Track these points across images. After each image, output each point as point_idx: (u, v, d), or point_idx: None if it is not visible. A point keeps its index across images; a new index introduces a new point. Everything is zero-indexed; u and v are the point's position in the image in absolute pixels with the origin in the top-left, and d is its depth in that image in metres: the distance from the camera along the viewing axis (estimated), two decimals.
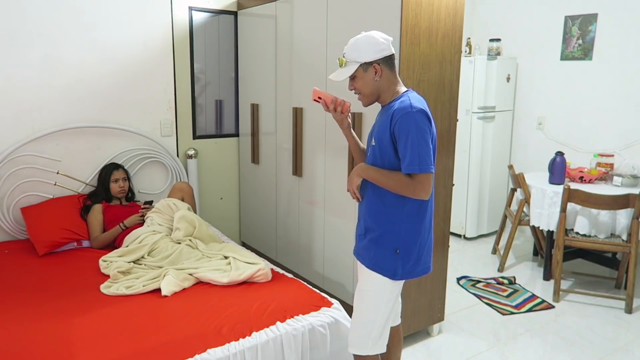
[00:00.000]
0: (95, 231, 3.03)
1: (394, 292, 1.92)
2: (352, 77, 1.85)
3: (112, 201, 3.21)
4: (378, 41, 1.80)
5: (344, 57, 1.84)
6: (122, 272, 2.52)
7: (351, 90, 1.89)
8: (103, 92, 3.35)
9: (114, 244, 3.00)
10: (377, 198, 1.86)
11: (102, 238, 3.01)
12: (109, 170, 3.22)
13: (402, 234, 1.84)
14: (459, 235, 4.74)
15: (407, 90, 1.87)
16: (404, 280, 1.93)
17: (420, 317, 2.83)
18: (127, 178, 3.29)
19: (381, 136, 1.81)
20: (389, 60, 1.83)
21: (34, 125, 3.14)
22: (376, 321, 1.90)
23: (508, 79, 4.67)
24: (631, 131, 4.01)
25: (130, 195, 3.34)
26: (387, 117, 1.79)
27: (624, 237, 3.35)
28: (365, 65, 1.80)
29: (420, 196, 1.78)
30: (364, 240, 1.92)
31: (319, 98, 1.93)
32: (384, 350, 1.96)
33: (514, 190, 4.09)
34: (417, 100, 1.78)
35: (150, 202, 3.21)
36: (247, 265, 2.56)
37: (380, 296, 1.89)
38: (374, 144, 1.87)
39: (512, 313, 3.23)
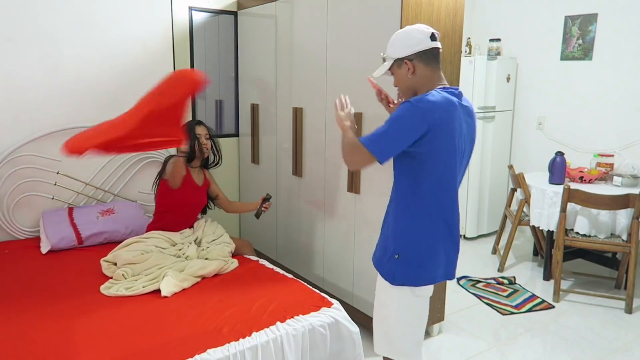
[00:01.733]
0: (175, 179, 2.82)
1: (403, 302, 1.80)
2: (392, 73, 1.81)
3: (192, 162, 2.94)
4: (411, 35, 1.73)
5: (384, 53, 1.81)
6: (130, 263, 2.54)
7: (395, 87, 1.84)
8: (103, 92, 3.35)
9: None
10: (393, 205, 1.83)
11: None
12: (191, 125, 2.95)
13: (401, 239, 1.77)
14: None
15: (442, 88, 1.74)
16: (417, 291, 1.79)
17: None
18: (210, 137, 3.02)
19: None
20: (424, 55, 1.73)
21: (34, 125, 3.14)
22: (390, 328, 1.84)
23: (508, 79, 4.67)
24: (631, 131, 4.01)
25: (215, 159, 3.11)
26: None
27: (624, 237, 3.35)
28: (399, 61, 1.75)
29: (346, 161, 1.74)
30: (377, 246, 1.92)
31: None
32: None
33: (514, 190, 4.09)
34: (434, 96, 1.65)
35: (268, 199, 3.02)
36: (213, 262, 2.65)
37: (386, 302, 1.84)
38: None
39: (512, 313, 3.23)
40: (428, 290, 1.82)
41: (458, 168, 1.77)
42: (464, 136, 1.75)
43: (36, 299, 2.31)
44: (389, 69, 1.80)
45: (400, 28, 2.38)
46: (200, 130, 2.96)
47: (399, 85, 1.81)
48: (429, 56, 1.74)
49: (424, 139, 1.64)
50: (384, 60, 1.81)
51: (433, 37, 1.73)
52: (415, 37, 1.72)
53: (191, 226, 2.99)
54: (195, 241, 2.85)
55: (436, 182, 1.71)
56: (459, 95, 1.75)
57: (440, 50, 1.78)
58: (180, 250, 2.77)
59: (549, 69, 4.52)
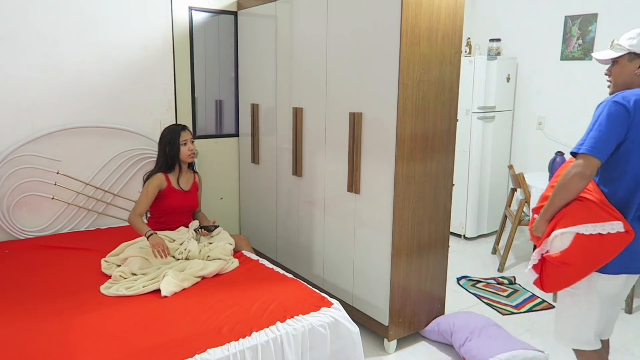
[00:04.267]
0: (140, 205, 2.82)
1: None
2: (615, 62, 1.83)
3: (173, 169, 2.93)
4: None
5: (617, 40, 1.81)
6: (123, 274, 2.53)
7: (606, 75, 1.87)
8: (103, 92, 3.35)
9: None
10: None
11: (135, 223, 2.77)
12: (175, 132, 2.91)
13: None
14: (459, 235, 4.73)
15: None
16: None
17: (420, 317, 2.83)
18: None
19: None
20: None
21: (34, 125, 3.14)
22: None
23: (508, 79, 4.67)
24: None
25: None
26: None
27: None
28: (633, 56, 1.77)
29: (573, 178, 1.73)
30: None
31: None
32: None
33: (514, 190, 4.09)
34: (628, 92, 1.73)
35: (213, 228, 2.93)
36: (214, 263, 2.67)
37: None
38: None
39: (512, 313, 3.23)
40: None
41: None
42: None
43: (36, 298, 2.31)
44: (616, 58, 1.81)
45: (400, 28, 2.39)
46: (185, 136, 2.94)
47: (618, 77, 1.83)
48: None
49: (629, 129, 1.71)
50: (612, 46, 1.81)
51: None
52: None
53: (187, 225, 3.00)
54: (194, 238, 2.86)
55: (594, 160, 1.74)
56: None
57: None
58: (181, 245, 2.78)
59: (549, 69, 4.52)
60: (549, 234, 1.85)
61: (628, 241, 1.76)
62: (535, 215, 1.95)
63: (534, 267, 1.91)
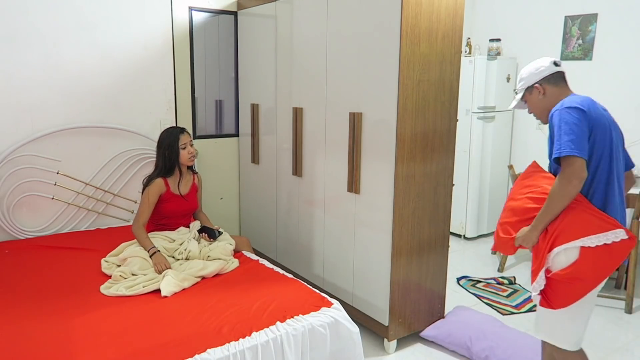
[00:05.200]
0: (143, 215, 2.78)
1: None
2: (525, 101, 2.05)
3: (172, 173, 2.89)
4: (536, 65, 1.98)
5: (515, 89, 2.09)
6: (123, 274, 2.53)
7: (530, 113, 2.07)
8: (103, 92, 3.35)
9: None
10: None
11: (139, 236, 2.73)
12: (173, 135, 2.86)
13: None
14: (459, 235, 4.73)
15: (568, 96, 1.92)
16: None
17: (420, 317, 2.83)
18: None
19: (550, 142, 1.89)
20: (552, 78, 1.96)
21: (34, 125, 3.14)
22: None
23: (508, 79, 4.67)
24: (631, 131, 4.00)
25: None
26: (549, 122, 1.90)
27: None
28: (530, 89, 1.99)
29: (573, 182, 1.75)
30: None
31: None
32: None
33: None
34: (571, 100, 1.84)
35: (218, 233, 2.91)
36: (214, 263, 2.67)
37: None
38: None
39: (512, 313, 3.23)
40: None
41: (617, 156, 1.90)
42: (609, 126, 1.89)
43: (36, 298, 2.31)
44: (522, 99, 2.04)
45: (400, 28, 2.40)
46: (185, 139, 2.89)
47: (534, 109, 2.03)
48: (556, 78, 1.96)
49: (591, 127, 1.80)
50: (516, 92, 2.07)
51: (556, 63, 1.97)
52: (541, 65, 1.97)
53: (187, 225, 2.99)
54: (195, 238, 2.86)
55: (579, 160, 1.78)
56: (589, 98, 1.91)
57: (566, 73, 1.98)
58: (181, 245, 2.78)
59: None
60: (546, 250, 1.84)
61: (632, 247, 1.79)
62: (505, 234, 2.00)
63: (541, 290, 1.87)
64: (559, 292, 1.82)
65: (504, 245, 2.06)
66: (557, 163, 1.82)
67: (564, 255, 1.80)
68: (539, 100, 1.99)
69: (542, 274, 1.85)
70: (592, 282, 1.80)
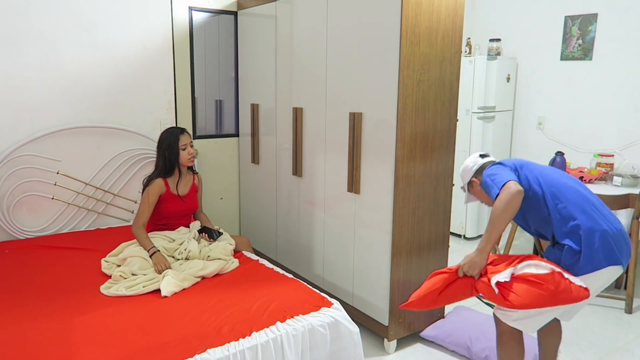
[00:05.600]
0: (143, 215, 2.78)
1: None
2: (470, 192, 2.31)
3: (172, 174, 2.89)
4: (467, 167, 2.26)
5: (461, 187, 2.37)
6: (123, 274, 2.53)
7: (482, 202, 2.29)
8: (103, 92, 3.35)
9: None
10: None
11: (139, 236, 2.73)
12: (174, 136, 2.86)
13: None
14: (459, 235, 4.73)
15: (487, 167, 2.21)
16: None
17: (420, 317, 2.83)
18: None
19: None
20: (481, 169, 2.21)
21: (34, 125, 3.14)
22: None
23: (508, 79, 4.67)
24: (631, 131, 4.01)
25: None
26: None
27: None
28: (469, 184, 2.27)
29: (514, 193, 1.93)
30: None
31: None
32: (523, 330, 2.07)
33: None
34: (491, 170, 2.12)
35: (217, 234, 2.91)
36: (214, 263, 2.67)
37: None
38: None
39: None
40: None
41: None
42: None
43: (36, 298, 2.31)
44: (470, 192, 2.30)
45: (400, 28, 2.40)
46: (185, 140, 2.89)
47: (480, 197, 2.27)
48: (482, 168, 2.21)
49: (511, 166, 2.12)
50: (464, 190, 2.34)
51: (482, 156, 2.26)
52: (470, 162, 2.26)
53: (187, 225, 2.99)
54: (194, 238, 2.86)
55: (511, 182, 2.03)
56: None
57: (487, 155, 2.28)
58: (181, 244, 2.77)
59: (549, 69, 4.52)
60: (520, 259, 1.99)
61: (584, 299, 1.92)
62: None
63: (500, 284, 1.93)
64: (520, 292, 1.88)
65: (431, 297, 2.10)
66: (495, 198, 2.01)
67: (534, 268, 1.92)
68: (480, 190, 2.21)
69: (509, 270, 1.93)
70: (548, 300, 1.87)
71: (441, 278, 2.09)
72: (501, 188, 1.97)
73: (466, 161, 2.30)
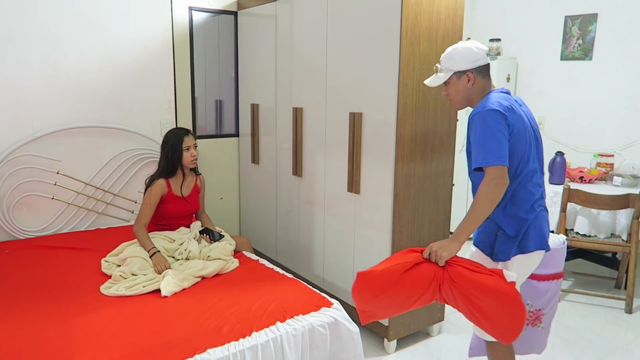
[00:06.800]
0: (144, 215, 2.78)
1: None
2: (446, 83, 1.95)
3: (174, 174, 2.90)
4: (472, 51, 1.88)
5: (439, 64, 1.95)
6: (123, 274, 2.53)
7: (444, 95, 2.00)
8: (103, 92, 3.35)
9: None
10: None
11: (140, 236, 2.74)
12: (178, 137, 2.86)
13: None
14: None
15: (491, 91, 1.91)
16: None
17: (420, 317, 2.83)
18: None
19: (468, 140, 1.91)
20: (483, 69, 1.91)
21: (34, 125, 3.14)
22: None
23: (508, 79, 4.67)
24: (631, 131, 4.01)
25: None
26: (469, 121, 1.90)
27: (624, 237, 3.35)
28: (459, 74, 1.90)
29: (502, 188, 1.77)
30: None
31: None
32: None
33: None
34: (493, 100, 1.82)
35: (219, 236, 2.89)
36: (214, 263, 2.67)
37: None
38: (465, 148, 1.96)
39: None
40: None
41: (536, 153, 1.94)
42: (529, 124, 1.94)
43: (36, 298, 2.31)
44: (448, 82, 1.94)
45: (400, 28, 2.40)
46: (189, 142, 2.89)
47: (455, 95, 1.94)
48: (486, 70, 1.92)
49: (510, 132, 1.81)
50: (438, 71, 1.94)
51: (487, 54, 1.91)
52: (477, 53, 1.88)
53: (188, 225, 2.99)
54: (195, 238, 2.86)
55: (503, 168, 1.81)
56: (508, 92, 1.94)
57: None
58: (181, 245, 2.77)
59: (549, 69, 4.51)
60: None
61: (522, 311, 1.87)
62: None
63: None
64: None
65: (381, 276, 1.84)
66: (479, 169, 1.83)
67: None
68: (465, 88, 1.91)
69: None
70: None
71: (410, 255, 1.90)
72: (489, 167, 1.76)
73: (469, 46, 1.89)
